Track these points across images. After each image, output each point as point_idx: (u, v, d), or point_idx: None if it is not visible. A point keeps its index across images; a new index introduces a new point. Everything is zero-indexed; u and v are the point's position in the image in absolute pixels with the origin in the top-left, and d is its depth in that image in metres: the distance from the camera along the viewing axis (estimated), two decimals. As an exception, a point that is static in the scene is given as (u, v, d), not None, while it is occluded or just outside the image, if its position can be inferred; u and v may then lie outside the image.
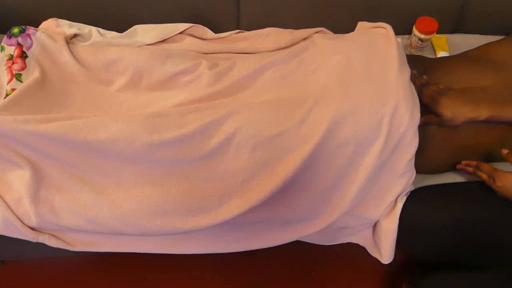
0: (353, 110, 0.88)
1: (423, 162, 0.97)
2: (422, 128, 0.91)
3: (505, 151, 0.90)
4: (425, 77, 0.99)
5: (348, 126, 0.88)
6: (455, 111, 0.91)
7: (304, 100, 0.91)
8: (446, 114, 0.91)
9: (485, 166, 0.92)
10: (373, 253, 1.03)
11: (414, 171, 0.94)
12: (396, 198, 0.95)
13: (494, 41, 1.10)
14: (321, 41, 1.02)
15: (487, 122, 0.92)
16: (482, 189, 0.95)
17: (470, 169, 0.96)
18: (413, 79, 0.96)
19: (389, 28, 1.02)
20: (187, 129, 0.86)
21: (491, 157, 1.01)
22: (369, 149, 0.90)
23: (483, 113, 0.90)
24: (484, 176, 0.93)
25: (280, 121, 0.88)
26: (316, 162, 0.89)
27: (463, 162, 0.97)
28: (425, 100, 0.94)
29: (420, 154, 0.92)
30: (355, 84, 0.91)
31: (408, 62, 0.96)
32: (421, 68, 1.01)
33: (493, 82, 0.99)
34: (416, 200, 0.96)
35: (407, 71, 0.93)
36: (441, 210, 0.95)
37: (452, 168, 1.02)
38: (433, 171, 1.04)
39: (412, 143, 0.90)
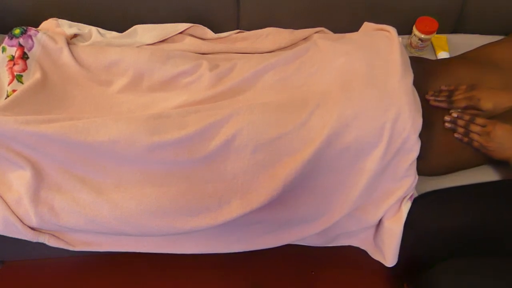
0: (356, 115, 0.88)
1: (423, 166, 0.96)
2: (424, 133, 0.91)
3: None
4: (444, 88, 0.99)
5: (350, 131, 0.88)
6: (496, 103, 0.92)
7: (305, 102, 0.91)
8: (488, 108, 0.92)
9: (480, 120, 0.91)
10: (375, 256, 1.03)
11: (417, 176, 0.94)
12: (401, 202, 0.95)
13: (494, 42, 1.11)
14: (323, 42, 1.02)
15: None
16: (487, 191, 0.95)
17: (461, 128, 0.94)
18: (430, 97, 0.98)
19: (393, 31, 1.01)
20: (187, 131, 0.86)
21: (490, 161, 1.01)
22: (370, 153, 0.90)
23: None
24: (477, 128, 0.91)
25: (281, 123, 0.88)
26: (316, 165, 0.89)
27: (452, 113, 0.95)
28: (460, 105, 0.95)
29: (420, 159, 0.92)
30: (358, 89, 0.91)
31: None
32: (421, 71, 1.01)
33: (494, 83, 0.99)
34: (421, 204, 0.96)
35: (410, 76, 0.92)
36: (447, 213, 0.95)
37: (453, 171, 1.03)
38: (433, 174, 1.04)
39: (413, 149, 0.90)
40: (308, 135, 0.88)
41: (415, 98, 0.91)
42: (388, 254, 0.98)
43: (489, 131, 0.90)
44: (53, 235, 0.94)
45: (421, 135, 0.90)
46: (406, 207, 0.94)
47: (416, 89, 0.93)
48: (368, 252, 1.05)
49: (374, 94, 0.89)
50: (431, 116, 0.95)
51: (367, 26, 1.13)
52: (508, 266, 0.89)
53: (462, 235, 0.94)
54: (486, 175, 1.05)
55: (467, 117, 0.93)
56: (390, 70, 0.92)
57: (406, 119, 0.88)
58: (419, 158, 0.91)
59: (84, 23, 1.11)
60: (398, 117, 0.88)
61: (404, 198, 0.95)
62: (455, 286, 0.87)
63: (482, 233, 0.93)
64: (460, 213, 0.94)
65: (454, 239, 0.95)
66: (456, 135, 0.95)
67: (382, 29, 1.06)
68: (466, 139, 0.94)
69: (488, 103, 0.92)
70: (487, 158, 0.99)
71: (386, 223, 0.96)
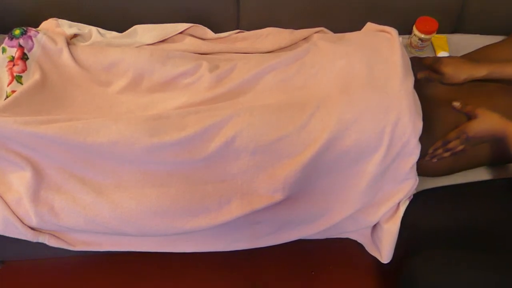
0: (356, 119, 0.87)
1: (423, 167, 0.97)
2: (424, 135, 0.91)
3: (456, 104, 0.94)
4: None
5: (350, 134, 0.87)
6: (456, 68, 0.95)
7: (305, 104, 0.91)
8: (447, 71, 0.95)
9: (451, 135, 0.94)
10: (371, 251, 1.04)
11: (417, 178, 0.94)
12: (399, 203, 0.95)
13: (495, 43, 1.10)
14: (323, 43, 1.01)
15: (488, 80, 0.94)
16: (483, 190, 0.95)
17: (441, 153, 0.97)
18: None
19: (394, 33, 1.00)
20: (187, 132, 0.86)
21: (488, 162, 1.01)
22: (370, 157, 0.89)
23: (482, 70, 0.93)
24: (455, 143, 0.94)
25: (280, 125, 0.88)
26: (316, 168, 0.89)
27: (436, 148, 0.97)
28: (427, 63, 0.97)
29: (420, 160, 0.92)
30: (358, 92, 0.90)
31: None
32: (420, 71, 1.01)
33: (491, 85, 0.99)
34: (418, 203, 0.96)
35: (411, 79, 0.92)
36: (443, 212, 0.96)
37: (453, 172, 1.03)
38: (434, 174, 1.04)
39: (414, 153, 0.89)
40: (308, 137, 0.88)
41: (416, 101, 0.91)
42: (384, 251, 0.98)
43: (464, 137, 0.92)
44: (53, 235, 0.94)
45: (421, 137, 0.90)
46: (404, 206, 0.95)
47: (416, 90, 0.92)
48: (365, 247, 1.05)
49: (374, 98, 0.89)
50: (431, 119, 0.94)
51: (369, 26, 1.12)
52: (494, 261, 0.89)
53: (451, 234, 0.94)
54: (485, 175, 1.05)
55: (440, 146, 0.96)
56: (390, 72, 0.92)
57: (406, 123, 0.87)
58: (420, 159, 0.91)
59: (84, 23, 1.11)
60: (398, 121, 0.87)
61: (403, 199, 0.95)
62: (437, 274, 0.88)
63: (471, 232, 0.93)
64: (449, 212, 0.95)
65: (443, 239, 0.95)
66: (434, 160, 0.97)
67: (383, 31, 1.05)
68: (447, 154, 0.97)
69: (447, 67, 0.95)
70: (487, 159, 0.99)
71: (384, 223, 0.96)
